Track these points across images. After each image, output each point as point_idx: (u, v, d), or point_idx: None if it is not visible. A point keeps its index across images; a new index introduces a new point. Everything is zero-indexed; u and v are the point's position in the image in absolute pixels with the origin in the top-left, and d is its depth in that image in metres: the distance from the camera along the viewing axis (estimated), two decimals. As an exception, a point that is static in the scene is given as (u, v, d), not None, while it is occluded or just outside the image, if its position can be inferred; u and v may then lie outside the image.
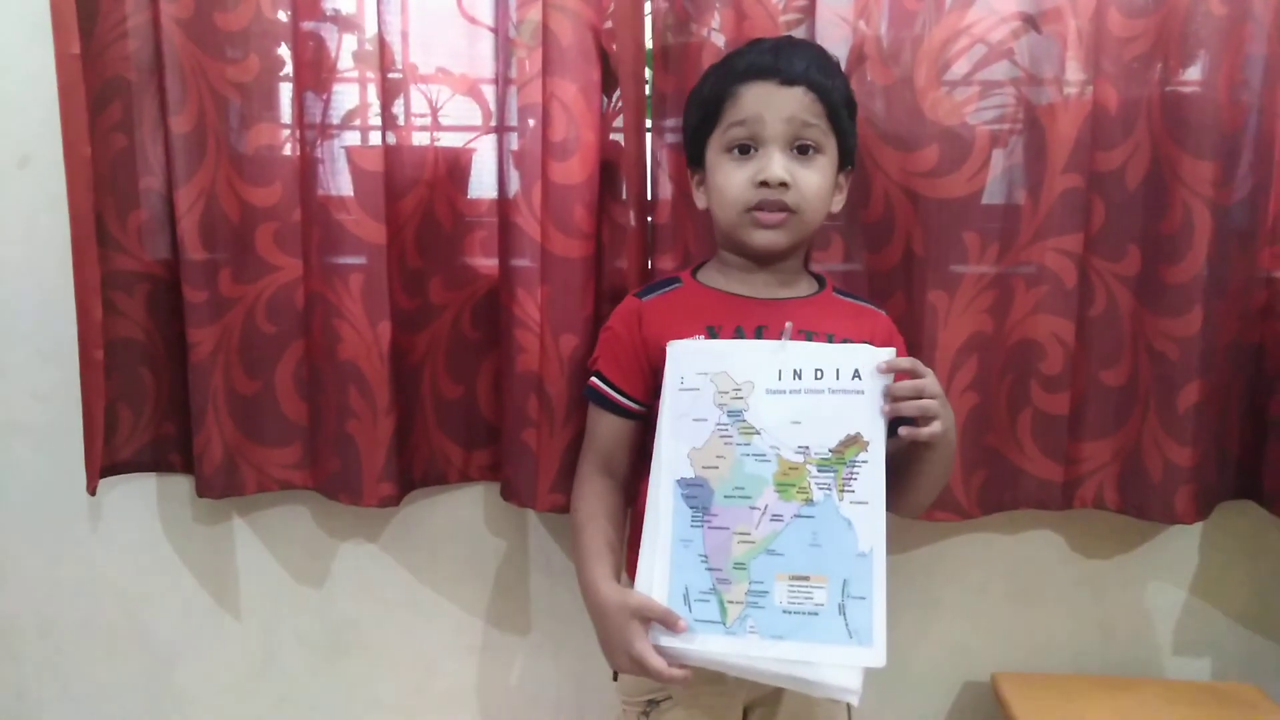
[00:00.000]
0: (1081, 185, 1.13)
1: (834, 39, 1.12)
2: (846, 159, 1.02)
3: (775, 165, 0.96)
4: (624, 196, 1.17)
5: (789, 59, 0.97)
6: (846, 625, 0.85)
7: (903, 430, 0.90)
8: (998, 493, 1.21)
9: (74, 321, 1.16)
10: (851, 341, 0.99)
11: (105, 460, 1.21)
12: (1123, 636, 1.30)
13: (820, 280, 1.08)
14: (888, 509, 1.00)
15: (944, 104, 1.11)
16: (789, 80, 0.96)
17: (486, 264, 1.22)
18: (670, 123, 1.14)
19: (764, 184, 0.96)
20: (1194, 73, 1.10)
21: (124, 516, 1.31)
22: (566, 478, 1.17)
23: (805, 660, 0.85)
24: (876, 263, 1.16)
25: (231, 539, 1.32)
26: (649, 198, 1.18)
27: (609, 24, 1.14)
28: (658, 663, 0.87)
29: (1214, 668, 1.31)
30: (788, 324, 0.94)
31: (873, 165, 1.13)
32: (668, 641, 0.88)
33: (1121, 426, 1.19)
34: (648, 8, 1.15)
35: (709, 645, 0.87)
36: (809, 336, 0.98)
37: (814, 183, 0.98)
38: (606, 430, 1.04)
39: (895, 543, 1.28)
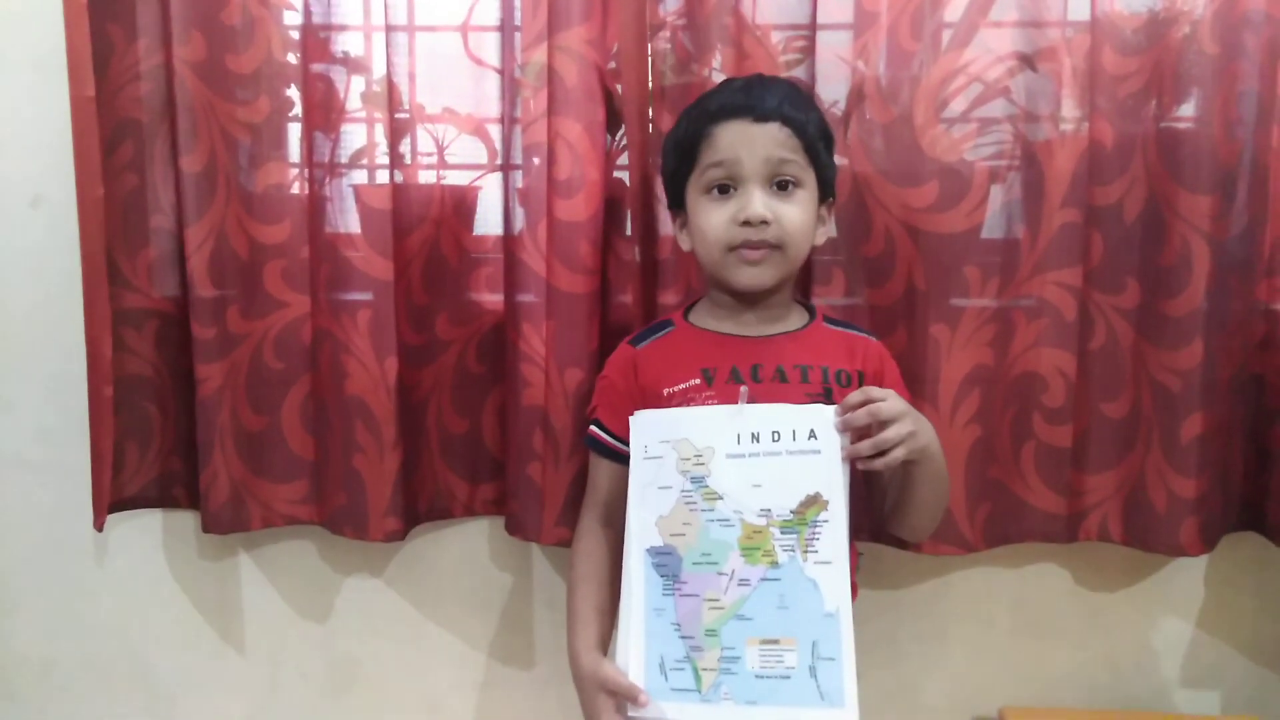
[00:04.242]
0: (1079, 220, 1.14)
1: (833, 79, 1.14)
2: (827, 191, 1.03)
3: (755, 203, 0.96)
4: (629, 233, 1.19)
5: (761, 95, 0.98)
6: (818, 687, 0.86)
7: (878, 463, 0.90)
8: (1002, 526, 1.20)
9: (81, 358, 1.17)
10: (845, 372, 1.01)
11: (112, 496, 1.21)
12: (1130, 670, 1.30)
13: (811, 310, 1.08)
14: (895, 535, 1.00)
15: (942, 141, 1.13)
16: (762, 117, 0.97)
17: (492, 299, 1.24)
18: (671, 161, 1.16)
19: (746, 223, 0.96)
20: (1188, 109, 1.12)
21: (129, 553, 1.31)
22: (571, 511, 1.17)
23: None
24: (878, 297, 1.17)
25: (237, 575, 1.32)
26: (653, 234, 1.19)
27: (613, 64, 1.16)
28: None
29: (1222, 701, 1.30)
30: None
31: (873, 201, 1.15)
32: (641, 713, 0.89)
33: (1125, 459, 1.19)
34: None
35: (684, 714, 0.88)
36: (803, 370, 0.99)
37: (796, 217, 0.98)
38: (607, 479, 1.04)
39: (901, 576, 1.29)
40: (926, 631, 1.30)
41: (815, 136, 1.00)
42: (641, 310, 1.17)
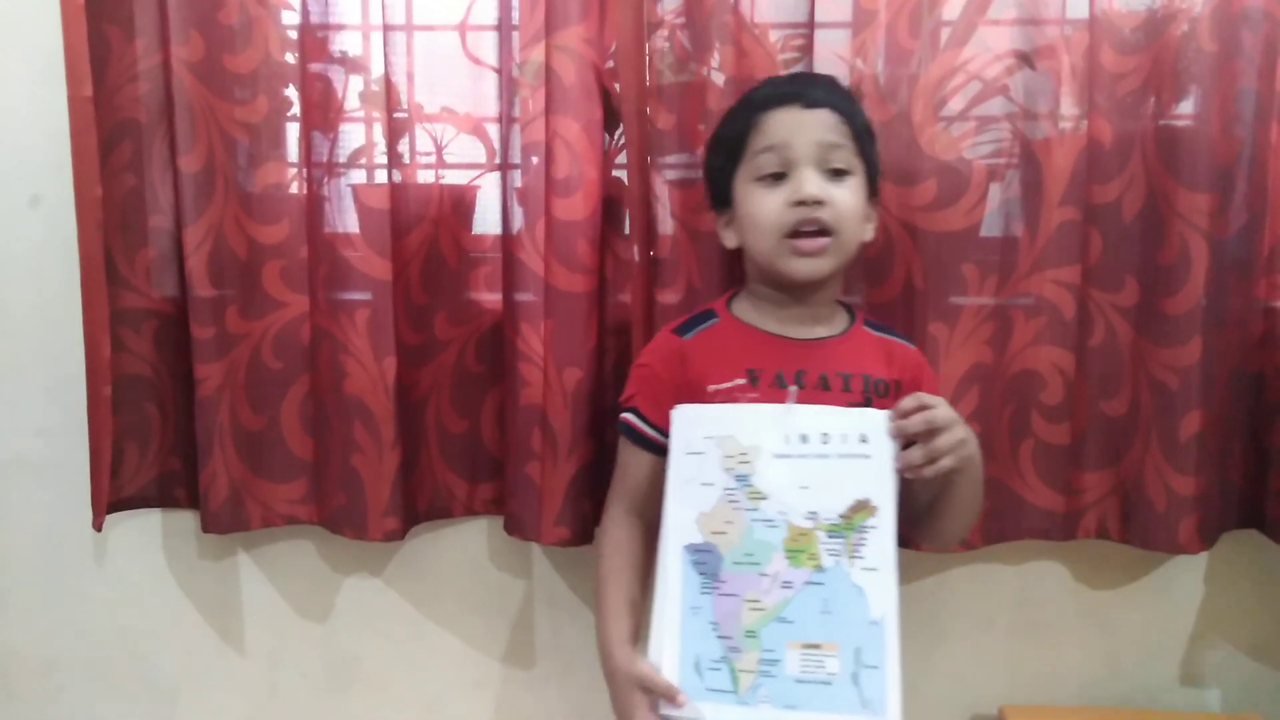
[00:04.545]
0: (1078, 218, 1.14)
1: (832, 77, 1.14)
2: (872, 188, 1.02)
3: (809, 183, 0.94)
4: (628, 232, 1.19)
5: (809, 85, 1.00)
6: (860, 695, 0.85)
7: (927, 471, 0.89)
8: (1000, 523, 1.20)
9: (81, 358, 1.17)
10: (884, 381, 1.00)
11: (111, 496, 1.21)
12: (1130, 667, 1.30)
13: (851, 312, 1.07)
14: (927, 542, 0.99)
15: (941, 139, 1.13)
16: (812, 103, 0.97)
17: (490, 299, 1.24)
18: (670, 159, 1.15)
19: (800, 203, 0.95)
20: (1187, 107, 1.12)
21: (129, 553, 1.31)
22: (570, 510, 1.17)
23: None
24: (877, 295, 1.17)
25: (236, 574, 1.32)
26: (652, 233, 1.19)
27: (610, 63, 1.16)
28: None
29: (1223, 699, 1.30)
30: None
31: (872, 199, 1.15)
32: (677, 713, 0.88)
33: (1123, 456, 1.19)
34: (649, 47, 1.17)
35: (720, 715, 0.87)
36: (845, 379, 0.98)
37: (849, 201, 0.97)
38: (640, 467, 1.02)
39: (900, 574, 1.28)
40: (926, 629, 1.30)
41: (862, 127, 1.00)
42: (642, 309, 1.17)
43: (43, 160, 1.22)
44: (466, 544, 1.31)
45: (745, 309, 1.04)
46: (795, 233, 0.96)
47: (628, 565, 1.00)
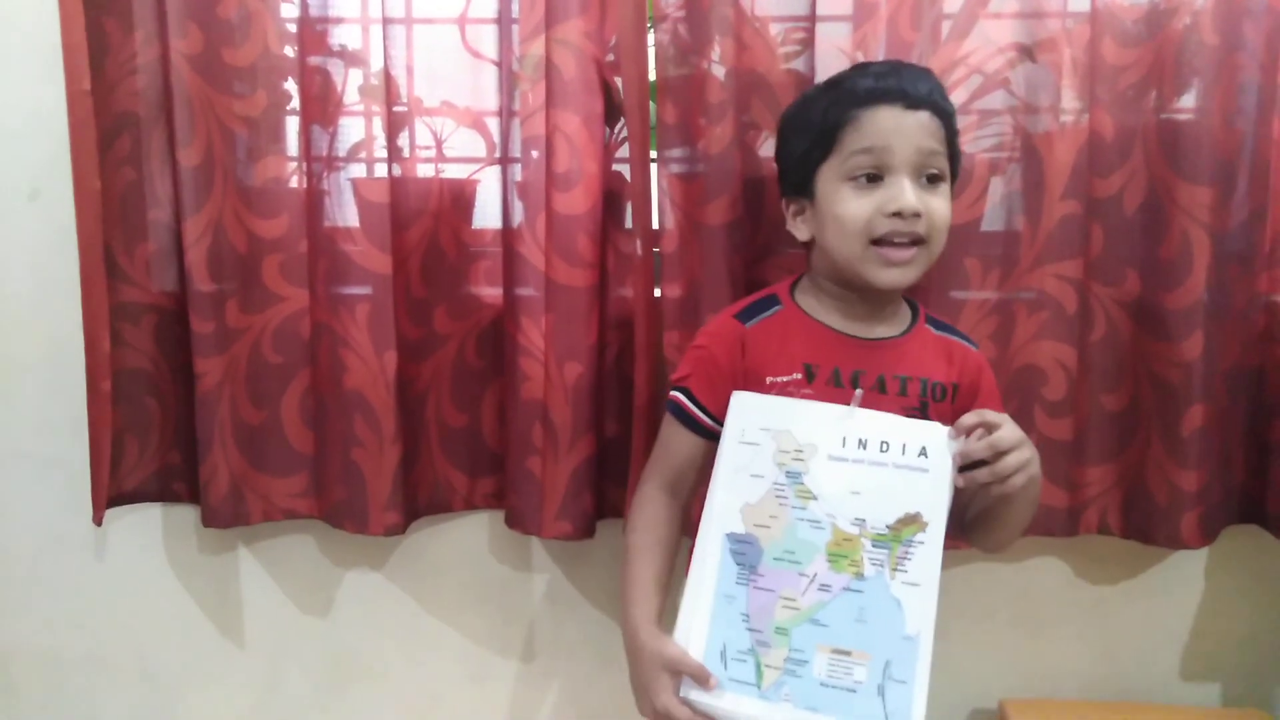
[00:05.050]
0: (1079, 212, 1.14)
1: (833, 70, 1.12)
2: (952, 187, 0.99)
3: (908, 194, 0.91)
4: (629, 226, 1.19)
5: (912, 81, 0.94)
6: (884, 707, 0.84)
7: (995, 490, 0.89)
8: (1002, 518, 1.20)
9: (81, 352, 1.17)
10: (941, 385, 0.98)
11: (111, 490, 1.21)
12: (1130, 662, 1.30)
13: (914, 308, 1.03)
14: (974, 545, 0.98)
15: (942, 133, 1.12)
16: (914, 104, 0.92)
17: (491, 293, 1.23)
18: (675, 153, 1.15)
19: (896, 214, 0.91)
20: (1188, 100, 1.12)
21: (129, 547, 1.31)
22: (571, 505, 1.17)
23: None
24: (878, 290, 1.17)
25: (236, 569, 1.32)
26: (654, 227, 1.19)
27: (611, 57, 1.16)
28: (682, 714, 0.87)
29: (1223, 693, 1.30)
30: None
31: (873, 193, 1.14)
32: (698, 696, 0.87)
33: (1125, 451, 1.19)
34: (651, 40, 1.16)
35: (740, 706, 0.86)
36: (902, 382, 0.96)
37: (943, 211, 0.94)
38: (683, 448, 1.00)
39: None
40: (926, 624, 1.30)
41: (955, 129, 0.97)
42: (644, 304, 1.17)
43: (42, 154, 1.22)
44: (467, 538, 1.31)
45: (809, 300, 1.01)
46: (883, 239, 0.93)
47: (659, 543, 0.98)
